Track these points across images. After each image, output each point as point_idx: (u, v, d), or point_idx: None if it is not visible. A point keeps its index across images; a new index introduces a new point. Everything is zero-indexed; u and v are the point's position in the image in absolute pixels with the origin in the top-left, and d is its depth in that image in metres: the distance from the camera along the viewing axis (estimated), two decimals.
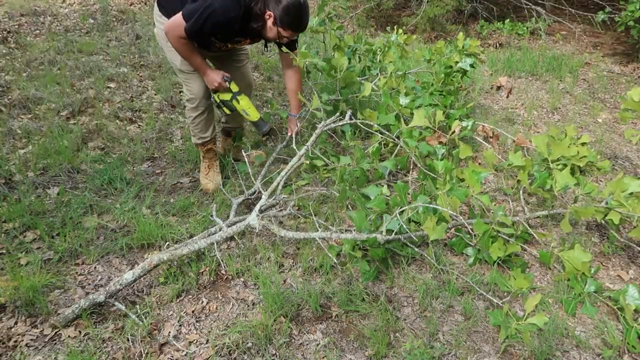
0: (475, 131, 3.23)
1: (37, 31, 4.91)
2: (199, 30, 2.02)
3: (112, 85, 3.77)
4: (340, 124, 2.36)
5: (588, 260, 1.93)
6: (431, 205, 1.90)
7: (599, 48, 5.42)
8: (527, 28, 5.21)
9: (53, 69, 3.93)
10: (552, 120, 3.66)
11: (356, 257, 1.97)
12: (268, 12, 2.03)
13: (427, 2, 5.36)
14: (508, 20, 5.30)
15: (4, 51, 4.25)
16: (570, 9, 5.79)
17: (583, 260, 1.93)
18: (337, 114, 2.44)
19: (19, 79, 3.67)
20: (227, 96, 2.29)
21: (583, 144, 2.62)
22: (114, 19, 5.55)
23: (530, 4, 5.60)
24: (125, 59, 4.32)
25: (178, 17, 2.03)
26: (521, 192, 2.38)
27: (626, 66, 4.84)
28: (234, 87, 2.29)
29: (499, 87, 3.83)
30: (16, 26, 4.98)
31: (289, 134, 2.58)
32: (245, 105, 2.31)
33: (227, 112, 2.35)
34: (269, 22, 2.06)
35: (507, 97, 4.01)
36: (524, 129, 3.44)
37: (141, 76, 4.01)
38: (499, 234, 2.02)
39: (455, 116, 3.02)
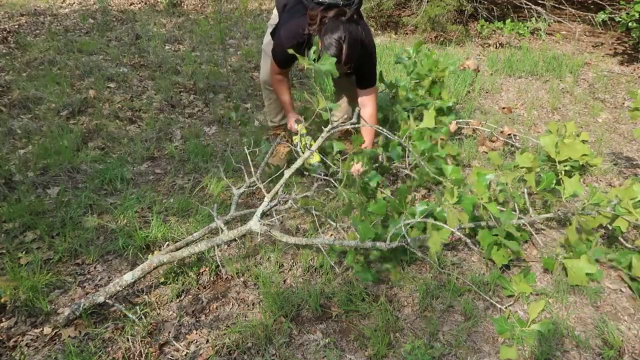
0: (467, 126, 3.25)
1: (37, 31, 4.92)
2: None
3: (112, 85, 3.77)
4: (348, 126, 2.35)
5: (592, 272, 1.93)
6: (438, 224, 1.89)
7: (599, 48, 5.42)
8: (527, 28, 5.20)
9: (53, 69, 3.93)
10: (552, 120, 3.66)
11: (357, 270, 1.97)
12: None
13: (428, 2, 5.35)
14: (509, 20, 5.30)
15: (4, 51, 4.25)
16: (570, 9, 5.79)
17: (587, 272, 1.93)
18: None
19: (19, 78, 3.67)
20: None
21: (583, 141, 2.61)
22: (114, 19, 5.55)
23: (530, 4, 5.60)
24: (125, 59, 4.32)
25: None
26: (526, 193, 2.38)
27: (626, 66, 4.84)
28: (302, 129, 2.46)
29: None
30: (16, 26, 4.99)
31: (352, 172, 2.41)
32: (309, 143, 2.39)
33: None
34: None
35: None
36: (524, 129, 3.44)
37: (141, 76, 4.01)
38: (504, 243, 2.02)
39: (445, 104, 2.97)
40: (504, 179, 2.26)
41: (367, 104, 2.44)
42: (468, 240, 1.81)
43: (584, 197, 2.26)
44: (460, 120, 3.29)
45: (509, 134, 3.18)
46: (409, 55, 3.15)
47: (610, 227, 2.14)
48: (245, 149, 2.36)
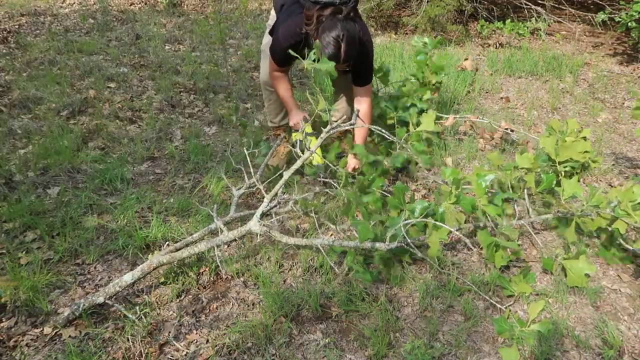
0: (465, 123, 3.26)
1: (37, 31, 4.92)
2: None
3: (112, 85, 3.77)
4: (348, 126, 2.34)
5: (591, 272, 1.93)
6: (437, 223, 1.89)
7: (598, 48, 5.42)
8: (527, 28, 5.21)
9: (53, 69, 3.93)
10: (552, 120, 3.66)
11: (358, 270, 1.96)
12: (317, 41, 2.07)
13: (428, 2, 5.35)
14: (509, 20, 5.30)
15: (4, 51, 4.25)
16: (570, 9, 5.79)
17: (586, 272, 1.93)
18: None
19: (19, 78, 3.67)
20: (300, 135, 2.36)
21: (584, 138, 2.61)
22: (114, 19, 5.55)
23: (530, 4, 5.60)
24: (125, 59, 4.33)
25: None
26: (525, 193, 2.38)
27: (626, 66, 4.84)
28: (308, 129, 2.43)
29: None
30: (16, 26, 4.99)
31: (347, 169, 2.51)
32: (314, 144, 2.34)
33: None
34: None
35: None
36: (524, 129, 3.44)
37: (141, 76, 4.01)
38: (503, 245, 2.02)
39: (424, 105, 2.95)
40: (504, 180, 2.26)
41: (362, 102, 2.45)
42: (467, 241, 1.82)
43: (583, 198, 2.26)
44: (458, 116, 3.29)
45: (506, 128, 3.19)
46: (425, 44, 3.16)
47: (609, 229, 2.14)
48: (245, 150, 2.37)
